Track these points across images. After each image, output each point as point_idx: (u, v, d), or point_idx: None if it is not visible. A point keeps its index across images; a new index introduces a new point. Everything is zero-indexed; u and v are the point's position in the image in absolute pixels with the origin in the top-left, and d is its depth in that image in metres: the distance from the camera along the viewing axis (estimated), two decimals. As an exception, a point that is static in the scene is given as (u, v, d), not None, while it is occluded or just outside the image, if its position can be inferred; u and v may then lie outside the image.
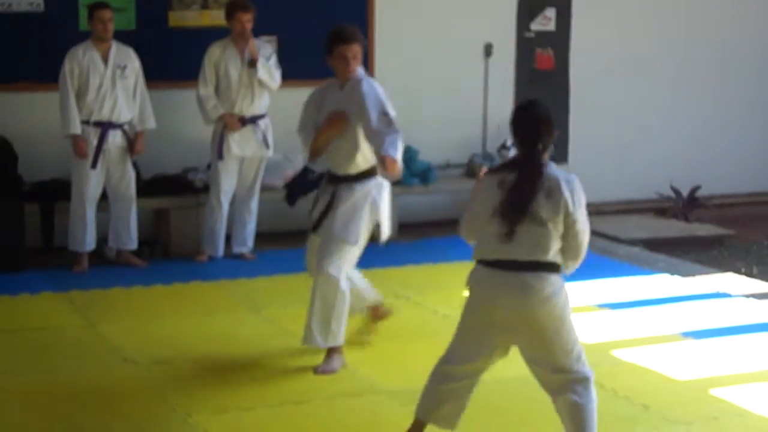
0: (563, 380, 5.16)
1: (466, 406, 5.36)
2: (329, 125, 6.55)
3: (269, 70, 9.36)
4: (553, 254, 5.05)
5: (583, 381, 5.17)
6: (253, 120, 9.42)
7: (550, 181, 5.02)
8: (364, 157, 6.61)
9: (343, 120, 6.51)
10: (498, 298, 5.08)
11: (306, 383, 6.45)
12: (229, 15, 9.31)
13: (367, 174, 6.67)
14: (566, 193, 5.00)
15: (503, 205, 5.02)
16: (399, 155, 6.37)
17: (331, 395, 6.31)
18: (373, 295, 7.22)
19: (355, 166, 6.66)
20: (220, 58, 9.32)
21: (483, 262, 5.15)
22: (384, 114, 6.46)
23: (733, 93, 12.50)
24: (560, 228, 5.02)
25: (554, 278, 5.06)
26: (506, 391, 6.35)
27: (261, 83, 9.33)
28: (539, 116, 5.16)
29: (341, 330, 6.72)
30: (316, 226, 6.81)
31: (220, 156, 9.35)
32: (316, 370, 6.69)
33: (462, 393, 5.34)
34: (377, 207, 6.70)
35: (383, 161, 6.30)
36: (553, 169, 5.09)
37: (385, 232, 6.86)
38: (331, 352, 6.76)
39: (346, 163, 6.66)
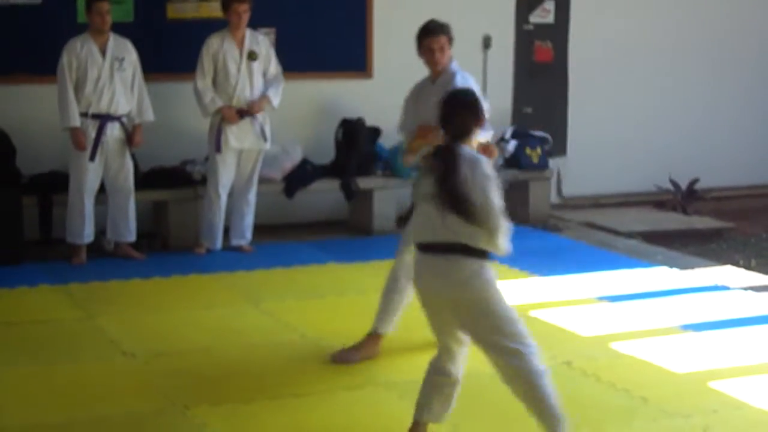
0: (498, 357, 5.24)
1: (451, 400, 5.40)
2: (419, 136, 6.48)
3: (277, 93, 9.44)
4: (470, 236, 5.10)
5: (518, 354, 5.20)
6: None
7: (464, 165, 5.13)
8: None
9: (433, 133, 6.41)
10: (423, 282, 5.26)
11: (305, 376, 6.44)
12: (225, 6, 9.28)
13: None
14: (468, 174, 5.10)
15: (426, 189, 5.19)
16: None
17: (330, 388, 6.31)
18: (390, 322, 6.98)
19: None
20: (218, 50, 9.30)
21: (416, 246, 5.32)
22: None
23: (732, 86, 12.49)
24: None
25: (471, 262, 5.12)
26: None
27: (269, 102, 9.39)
28: (456, 103, 5.36)
29: (386, 317, 6.76)
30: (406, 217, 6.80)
31: (218, 149, 9.34)
32: (333, 356, 6.70)
33: (443, 387, 5.39)
34: None
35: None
36: (466, 151, 5.18)
37: None
38: (367, 339, 6.76)
39: None
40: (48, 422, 5.80)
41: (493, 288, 5.19)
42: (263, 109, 9.39)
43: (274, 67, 9.52)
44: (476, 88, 6.49)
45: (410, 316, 7.72)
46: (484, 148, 5.69)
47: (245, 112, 9.33)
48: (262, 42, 9.47)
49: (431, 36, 6.68)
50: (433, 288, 5.22)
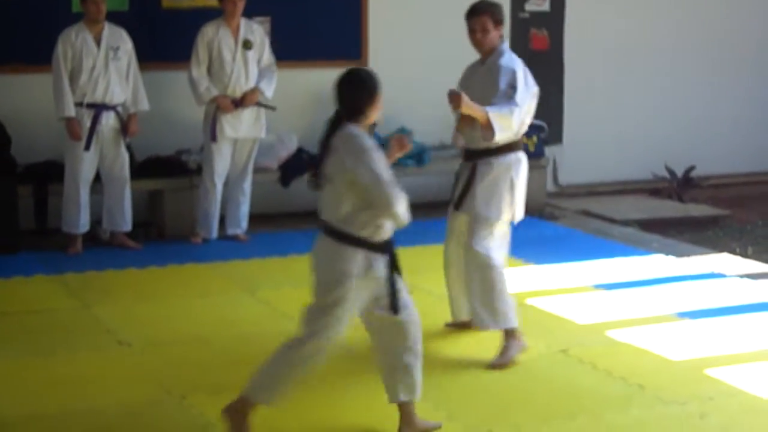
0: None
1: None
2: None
3: (270, 84, 9.41)
4: (348, 216, 5.18)
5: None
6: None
7: (336, 139, 5.21)
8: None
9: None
10: (312, 258, 5.36)
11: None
12: None
13: (506, 148, 6.54)
14: (342, 149, 5.16)
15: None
16: (499, 120, 6.27)
17: (326, 374, 6.29)
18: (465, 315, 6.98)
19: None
20: (213, 38, 9.29)
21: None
22: (511, 87, 6.38)
23: (728, 73, 12.49)
24: (347, 186, 5.16)
25: (342, 247, 5.20)
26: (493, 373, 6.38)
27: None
28: (348, 82, 5.35)
29: (511, 309, 6.59)
30: (457, 204, 6.74)
31: (213, 138, 9.33)
32: (490, 364, 6.50)
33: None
34: (513, 184, 6.57)
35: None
36: (347, 130, 5.22)
37: (518, 212, 6.68)
38: (507, 338, 6.59)
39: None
40: (44, 412, 5.79)
41: (325, 283, 5.29)
42: (255, 101, 9.37)
43: (267, 56, 9.50)
44: (521, 71, 6.46)
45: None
46: (398, 139, 5.62)
47: (240, 102, 9.32)
48: (257, 31, 9.46)
49: (472, 16, 6.57)
50: (312, 265, 5.35)
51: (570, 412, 5.84)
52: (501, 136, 6.35)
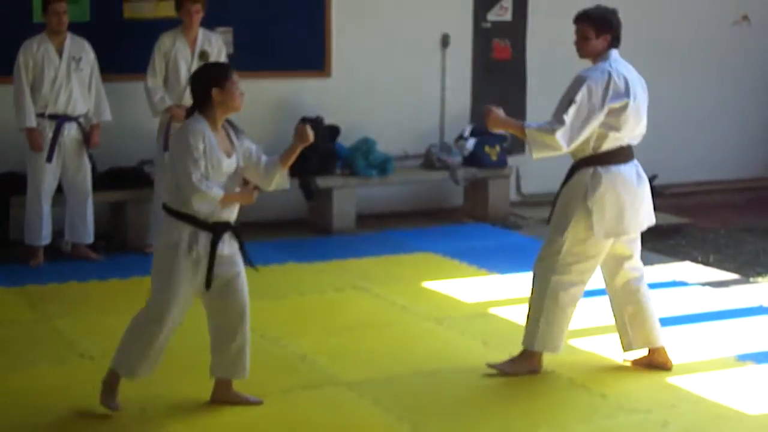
0: None
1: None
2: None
3: None
4: (171, 197, 5.75)
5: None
6: None
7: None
8: (580, 146, 6.38)
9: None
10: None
11: (264, 375, 6.41)
12: (179, 5, 9.23)
13: (582, 163, 6.44)
14: (171, 142, 5.70)
15: None
16: (537, 137, 6.30)
17: (289, 387, 6.30)
18: (654, 336, 6.67)
19: (572, 155, 6.50)
20: (170, 49, 9.24)
21: None
22: (568, 100, 6.28)
23: (690, 82, 12.56)
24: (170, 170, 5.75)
25: (172, 222, 5.74)
26: (464, 380, 6.39)
27: None
28: (197, 75, 5.89)
29: (548, 334, 6.39)
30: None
31: (165, 148, 9.25)
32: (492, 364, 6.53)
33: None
34: (587, 199, 6.38)
35: None
36: (188, 121, 5.73)
37: (596, 229, 6.35)
38: (524, 353, 6.53)
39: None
40: (4, 425, 5.75)
41: (157, 251, 5.82)
42: None
43: None
44: (588, 79, 6.28)
45: (368, 317, 7.74)
46: (300, 130, 5.96)
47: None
48: (215, 41, 9.41)
49: (574, 23, 6.50)
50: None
51: (532, 423, 5.85)
52: (539, 155, 6.35)
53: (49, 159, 8.91)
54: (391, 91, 11.00)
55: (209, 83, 5.72)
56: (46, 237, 9.05)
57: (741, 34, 12.76)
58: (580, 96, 6.25)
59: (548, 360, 6.67)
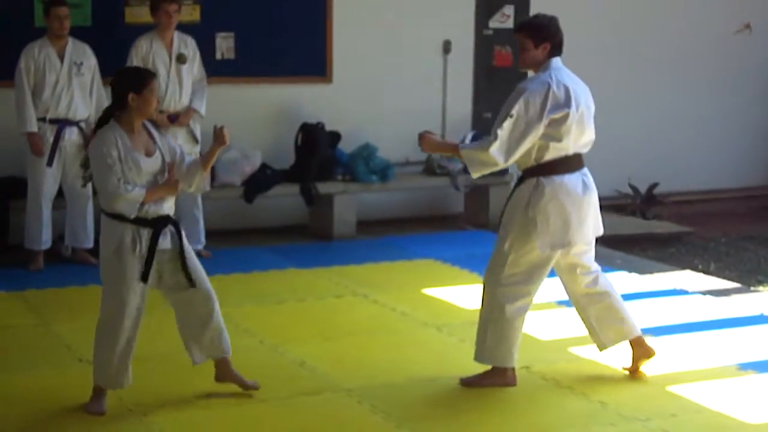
0: None
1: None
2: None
3: (202, 100, 9.36)
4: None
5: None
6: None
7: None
8: (524, 158, 6.24)
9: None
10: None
11: (263, 381, 6.40)
12: (155, 7, 9.18)
13: (526, 174, 6.29)
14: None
15: None
16: (470, 155, 6.14)
17: (289, 394, 6.29)
18: (626, 328, 6.62)
19: (518, 166, 6.38)
20: (147, 52, 9.18)
21: None
22: (505, 114, 6.09)
23: (691, 90, 12.56)
24: None
25: (107, 225, 5.88)
26: (464, 387, 6.37)
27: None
28: (114, 78, 5.88)
29: (496, 348, 6.30)
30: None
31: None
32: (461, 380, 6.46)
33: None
34: (529, 209, 6.23)
35: None
36: (104, 128, 5.81)
37: (540, 240, 6.23)
38: (487, 372, 6.41)
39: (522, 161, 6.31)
40: (3, 428, 5.74)
41: (103, 258, 5.97)
42: (189, 120, 9.30)
43: (198, 69, 9.41)
44: (529, 91, 6.11)
45: (368, 323, 7.73)
46: (217, 132, 5.90)
47: (175, 118, 9.24)
48: (190, 44, 9.38)
49: (514, 34, 6.40)
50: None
51: (532, 429, 5.84)
52: (478, 173, 6.19)
53: (50, 163, 8.91)
54: (393, 97, 11.00)
55: (127, 87, 5.74)
56: (46, 241, 9.05)
57: (743, 42, 12.75)
58: (517, 109, 6.09)
59: (547, 368, 6.67)
